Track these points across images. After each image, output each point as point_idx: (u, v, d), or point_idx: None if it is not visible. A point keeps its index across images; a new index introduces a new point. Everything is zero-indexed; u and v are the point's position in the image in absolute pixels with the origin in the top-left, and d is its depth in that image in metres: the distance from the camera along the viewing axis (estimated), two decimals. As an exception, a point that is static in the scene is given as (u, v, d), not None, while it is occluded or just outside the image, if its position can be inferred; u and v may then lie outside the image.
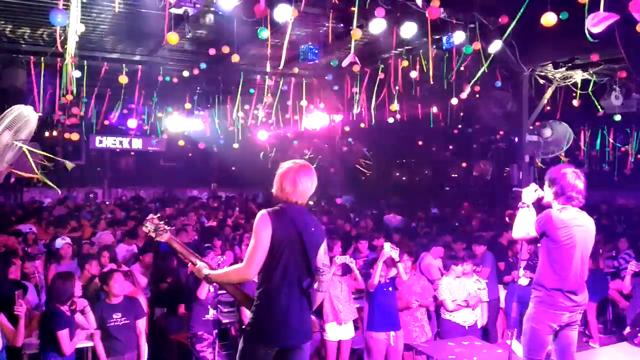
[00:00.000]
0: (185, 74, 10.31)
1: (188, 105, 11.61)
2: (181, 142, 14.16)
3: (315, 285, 3.09)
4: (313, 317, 3.25)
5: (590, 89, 9.21)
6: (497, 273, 6.99)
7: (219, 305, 6.30)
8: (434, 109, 13.16)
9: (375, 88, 10.57)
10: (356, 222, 11.54)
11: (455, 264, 5.85)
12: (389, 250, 5.39)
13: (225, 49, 7.49)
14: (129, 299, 5.09)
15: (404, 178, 24.70)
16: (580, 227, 3.60)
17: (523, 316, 3.76)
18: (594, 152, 13.23)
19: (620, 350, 5.41)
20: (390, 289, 5.53)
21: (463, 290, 5.76)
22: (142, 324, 5.03)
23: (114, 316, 4.86)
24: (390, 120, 12.42)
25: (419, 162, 23.19)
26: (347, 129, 14.99)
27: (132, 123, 13.63)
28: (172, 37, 5.94)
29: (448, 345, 4.81)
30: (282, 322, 2.88)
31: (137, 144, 18.03)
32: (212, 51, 8.26)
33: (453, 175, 22.19)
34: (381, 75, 10.16)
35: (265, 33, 6.46)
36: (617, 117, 9.49)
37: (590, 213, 3.80)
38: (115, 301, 4.94)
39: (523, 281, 6.08)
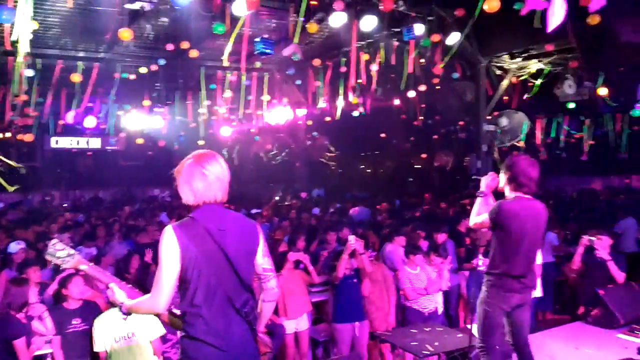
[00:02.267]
0: (143, 70, 10.09)
1: (147, 102, 11.36)
2: (140, 140, 13.80)
3: (261, 296, 2.73)
4: (263, 336, 2.79)
5: (544, 78, 9.51)
6: (458, 260, 7.16)
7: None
8: (396, 101, 13.32)
9: (338, 82, 10.62)
10: (321, 216, 11.58)
11: (415, 254, 5.97)
12: (353, 242, 5.45)
13: (184, 45, 7.37)
14: (89, 304, 4.92)
15: (368, 170, 24.94)
16: (530, 215, 3.71)
17: (482, 301, 3.87)
18: (549, 139, 13.65)
19: (575, 329, 5.63)
20: (354, 280, 5.60)
21: (423, 279, 5.89)
22: None
23: (73, 322, 4.69)
24: (355, 113, 12.52)
25: (382, 155, 23.46)
26: (310, 122, 15.03)
27: (89, 122, 13.24)
28: (125, 34, 5.79)
29: (410, 332, 4.90)
30: (215, 354, 2.41)
31: (95, 143, 17.59)
32: (169, 47, 8.13)
33: (416, 167, 22.56)
34: (343, 69, 10.20)
35: (221, 28, 6.39)
36: (571, 105, 9.81)
37: (545, 198, 3.94)
38: (73, 306, 4.77)
39: (481, 267, 6.26)
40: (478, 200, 3.96)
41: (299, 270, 5.93)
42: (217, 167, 2.53)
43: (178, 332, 2.62)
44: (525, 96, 9.97)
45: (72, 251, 2.77)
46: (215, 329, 2.43)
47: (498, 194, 3.94)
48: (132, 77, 10.55)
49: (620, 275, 5.90)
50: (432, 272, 6.00)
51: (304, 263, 5.80)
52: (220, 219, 2.50)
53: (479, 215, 3.89)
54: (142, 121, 12.93)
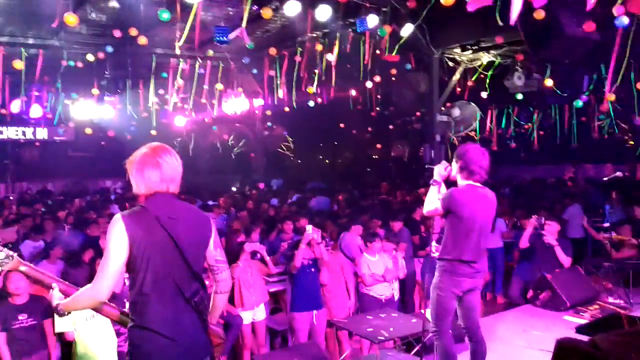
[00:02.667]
0: (90, 57, 9.71)
1: (95, 91, 10.95)
2: (88, 130, 13.27)
3: (214, 288, 2.71)
4: (215, 327, 2.74)
5: (495, 70, 9.76)
6: (413, 247, 7.31)
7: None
8: (353, 92, 13.38)
9: (295, 71, 10.56)
10: (279, 206, 11.55)
11: (371, 241, 6.06)
12: (311, 232, 5.47)
13: (132, 31, 7.14)
14: (36, 298, 4.76)
15: (326, 161, 25.03)
16: (480, 202, 3.83)
17: (436, 286, 3.96)
18: (500, 130, 14.05)
19: (524, 312, 5.86)
20: (312, 269, 5.62)
21: (381, 266, 5.98)
22: (50, 323, 4.74)
23: (19, 317, 4.55)
24: (311, 103, 12.49)
25: (340, 145, 23.58)
26: (268, 112, 14.90)
27: (35, 112, 12.66)
28: (70, 19, 5.55)
29: (366, 319, 4.97)
30: (164, 343, 2.38)
31: (42, 133, 16.89)
32: (117, 33, 7.85)
33: (374, 157, 22.82)
34: (299, 59, 10.14)
35: (166, 15, 6.23)
36: (519, 96, 10.12)
37: (496, 187, 4.07)
38: (19, 301, 4.61)
39: (435, 254, 6.40)
40: (431, 189, 4.04)
41: (255, 260, 5.90)
42: (170, 159, 2.52)
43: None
44: (470, 83, 10.20)
45: (10, 252, 2.62)
46: (164, 318, 2.40)
47: (451, 184, 4.03)
48: (80, 64, 10.13)
49: (566, 260, 6.16)
50: (389, 260, 6.10)
51: (261, 254, 5.78)
52: (172, 209, 2.49)
53: (432, 203, 3.98)
54: (91, 110, 12.46)
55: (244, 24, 6.56)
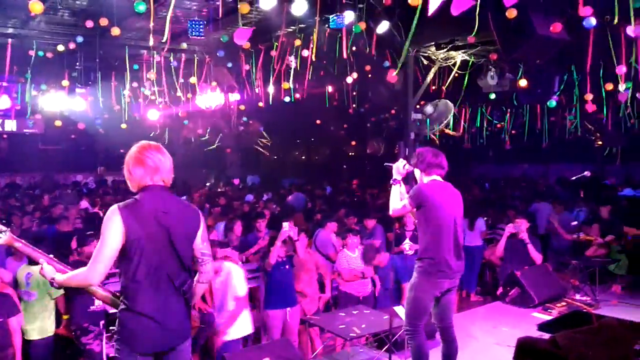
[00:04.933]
0: (61, 48, 9.46)
1: (65, 83, 10.66)
2: (58, 123, 12.92)
3: (196, 277, 2.88)
4: (193, 311, 2.97)
5: (469, 69, 9.86)
6: (387, 244, 7.35)
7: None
8: (329, 88, 13.35)
9: (271, 66, 10.48)
10: (254, 203, 11.49)
11: (344, 238, 6.10)
12: (288, 229, 5.45)
13: (103, 21, 6.96)
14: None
15: (303, 157, 24.99)
16: (448, 195, 3.88)
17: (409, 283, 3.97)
18: (474, 129, 14.25)
19: (494, 308, 5.97)
20: (287, 266, 5.60)
21: (360, 262, 6.00)
22: (15, 321, 4.63)
23: (-17, 315, 4.44)
24: (286, 99, 12.42)
25: (317, 141, 23.56)
26: (243, 107, 14.76)
27: (3, 102, 12.29)
28: (36, 6, 5.39)
29: (339, 316, 4.99)
30: (152, 327, 2.60)
31: (11, 125, 16.41)
32: (89, 23, 7.66)
33: (350, 154, 22.87)
34: (275, 53, 10.06)
35: (142, 7, 6.10)
36: (492, 96, 10.26)
37: (469, 185, 4.12)
38: (-19, 299, 4.50)
39: (409, 251, 6.47)
40: (393, 189, 4.03)
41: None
42: (156, 156, 2.74)
43: (114, 310, 2.72)
44: (445, 87, 10.32)
45: (3, 227, 2.76)
46: (155, 304, 2.62)
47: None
48: (49, 55, 9.86)
49: (538, 257, 6.30)
50: None
51: (232, 259, 5.69)
52: (164, 202, 2.71)
53: (397, 202, 3.96)
54: (61, 102, 12.13)
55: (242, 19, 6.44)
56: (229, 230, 7.64)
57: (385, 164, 4.23)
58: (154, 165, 2.72)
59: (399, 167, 4.06)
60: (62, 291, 5.12)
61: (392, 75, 8.21)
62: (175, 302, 2.69)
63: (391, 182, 4.06)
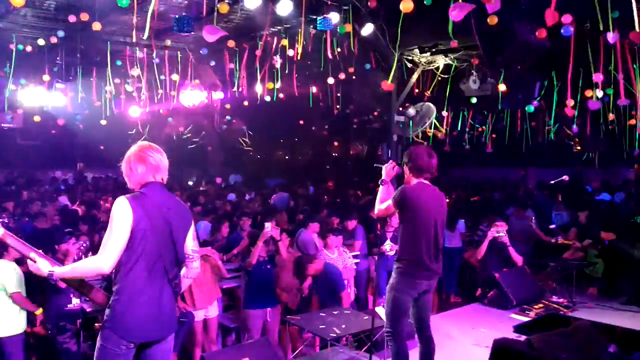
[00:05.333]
0: (41, 42, 9.30)
1: (46, 77, 10.48)
2: (37, 118, 12.68)
3: (183, 272, 2.98)
4: (177, 304, 3.09)
5: (452, 73, 9.97)
6: (368, 245, 7.39)
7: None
8: (314, 89, 13.36)
9: (255, 65, 10.44)
10: (237, 202, 11.44)
11: (325, 237, 6.11)
12: (270, 229, 5.45)
13: (84, 16, 6.86)
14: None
15: (286, 157, 24.95)
16: (433, 198, 3.92)
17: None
18: (455, 132, 14.37)
19: (472, 309, 6.04)
20: (268, 266, 5.59)
21: (340, 263, 6.01)
22: None
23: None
24: (267, 98, 12.39)
25: (300, 141, 23.54)
26: (228, 106, 14.68)
27: (-20, 97, 12.03)
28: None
29: (319, 315, 5.00)
30: (145, 316, 2.71)
31: (-12, 120, 15.99)
32: (72, 18, 7.54)
33: (333, 154, 22.92)
34: (260, 52, 10.03)
35: (125, 1, 6.03)
36: (473, 100, 10.37)
37: (451, 188, 4.17)
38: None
39: (390, 252, 6.51)
40: (380, 189, 4.10)
41: (208, 259, 5.79)
42: (156, 155, 2.87)
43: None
44: (428, 93, 10.42)
45: None
46: (150, 295, 2.72)
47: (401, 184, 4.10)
48: (29, 49, 9.69)
49: (519, 259, 6.40)
50: (348, 258, 6.14)
51: (212, 258, 5.67)
52: (166, 198, 2.86)
53: (383, 203, 4.02)
54: (40, 97, 11.91)
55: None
56: (216, 231, 7.62)
57: (375, 164, 4.29)
58: (155, 164, 2.85)
59: (389, 168, 4.12)
60: (19, 289, 4.99)
61: (387, 84, 8.27)
62: (167, 294, 2.80)
63: (379, 182, 4.12)
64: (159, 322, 2.77)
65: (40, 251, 2.83)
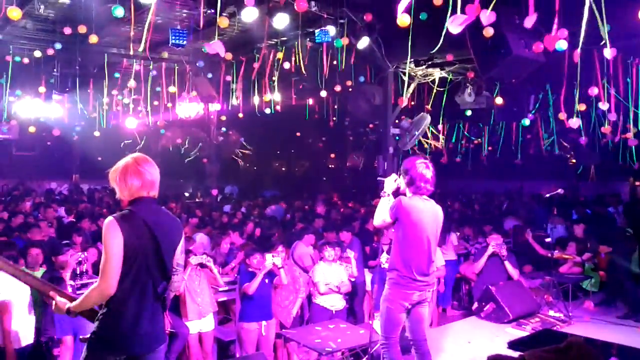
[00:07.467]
0: (38, 54, 9.32)
1: (42, 89, 10.49)
2: (32, 129, 12.66)
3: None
4: (165, 318, 3.06)
5: (447, 86, 10.03)
6: (364, 257, 7.35)
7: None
8: (310, 101, 13.41)
9: (252, 78, 10.49)
10: (232, 214, 11.39)
11: (320, 250, 6.08)
12: (270, 263, 5.45)
13: (81, 29, 6.89)
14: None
15: (283, 169, 24.96)
16: (427, 212, 3.93)
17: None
18: (451, 144, 14.41)
19: (468, 323, 6.01)
20: (266, 280, 5.55)
21: (336, 276, 5.96)
22: None
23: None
24: (267, 110, 12.42)
25: (297, 154, 23.58)
26: (223, 118, 14.71)
27: (-23, 108, 12.01)
28: (14, 13, 5.30)
29: (315, 330, 4.96)
30: (132, 329, 2.71)
31: (-17, 131, 15.95)
32: (67, 30, 7.58)
33: (330, 166, 22.95)
34: (257, 65, 10.07)
35: (119, 11, 6.06)
36: (468, 113, 10.42)
37: (446, 200, 4.17)
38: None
39: (385, 265, 6.46)
40: (382, 201, 4.11)
41: (205, 269, 5.76)
42: (153, 170, 2.86)
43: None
44: (429, 107, 10.48)
45: None
46: (138, 310, 2.72)
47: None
48: (26, 60, 9.71)
49: (515, 273, 6.38)
50: (344, 271, 6.09)
51: (208, 267, 5.62)
52: (155, 214, 2.83)
53: (382, 214, 4.03)
54: (36, 109, 11.90)
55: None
56: (216, 245, 7.57)
57: (379, 178, 4.34)
58: (151, 180, 2.84)
59: (391, 182, 4.14)
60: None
61: (404, 99, 8.39)
62: (154, 308, 2.81)
63: (381, 193, 4.15)
64: (146, 335, 2.76)
65: (51, 285, 2.90)
